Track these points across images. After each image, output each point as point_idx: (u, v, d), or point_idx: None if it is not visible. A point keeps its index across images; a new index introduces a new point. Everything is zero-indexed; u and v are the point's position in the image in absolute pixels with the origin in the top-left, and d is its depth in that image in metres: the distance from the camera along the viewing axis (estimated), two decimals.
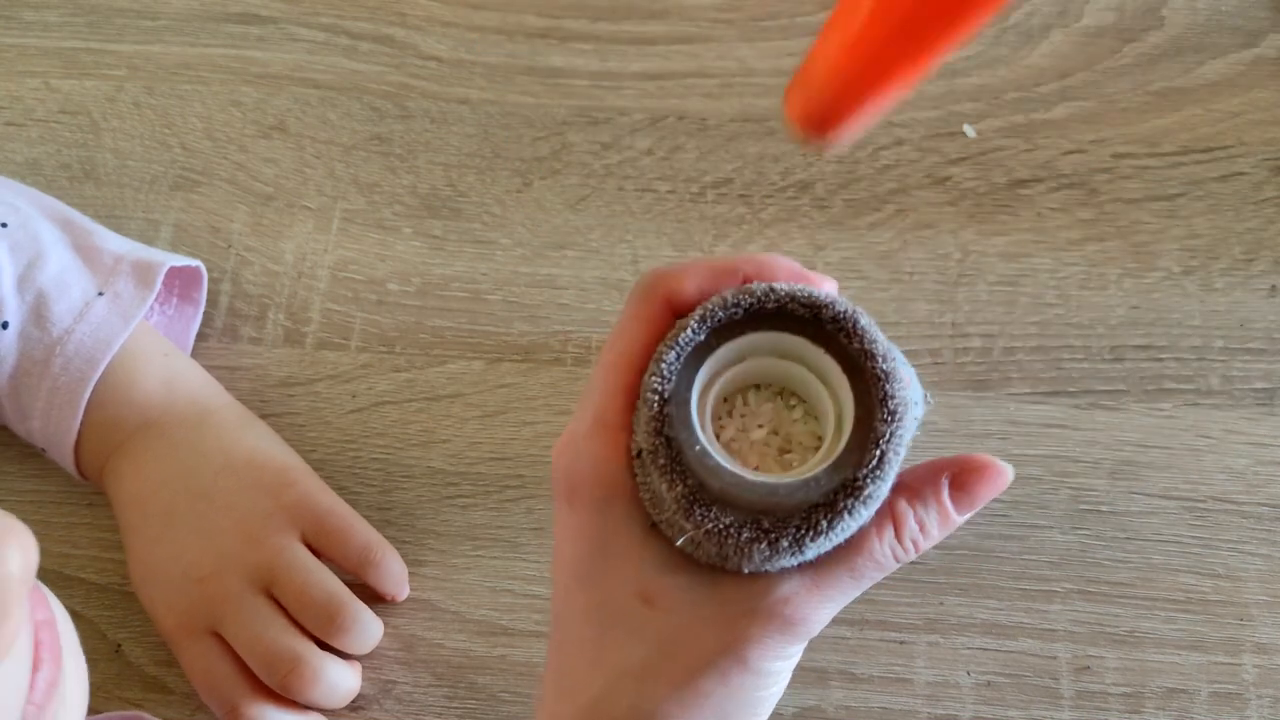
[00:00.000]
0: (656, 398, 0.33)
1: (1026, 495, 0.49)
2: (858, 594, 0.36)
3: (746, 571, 0.34)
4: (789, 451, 0.35)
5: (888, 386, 0.33)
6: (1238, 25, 0.58)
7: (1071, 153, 0.56)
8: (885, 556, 0.35)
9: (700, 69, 0.59)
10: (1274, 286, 0.53)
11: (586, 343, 0.53)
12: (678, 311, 0.36)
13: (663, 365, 0.34)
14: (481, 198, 0.56)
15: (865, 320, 0.33)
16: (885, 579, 0.47)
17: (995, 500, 0.49)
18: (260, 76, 0.59)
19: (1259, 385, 0.51)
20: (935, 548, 0.48)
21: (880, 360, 0.33)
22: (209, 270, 0.54)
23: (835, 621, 0.46)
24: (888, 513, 0.35)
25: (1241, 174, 0.55)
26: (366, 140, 0.58)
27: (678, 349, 0.34)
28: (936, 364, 0.51)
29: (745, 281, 0.36)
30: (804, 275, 0.36)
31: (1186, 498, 0.49)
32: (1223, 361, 0.51)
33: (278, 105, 0.58)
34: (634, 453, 0.35)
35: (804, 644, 0.36)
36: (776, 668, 0.36)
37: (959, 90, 0.58)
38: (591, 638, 0.36)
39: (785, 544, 0.32)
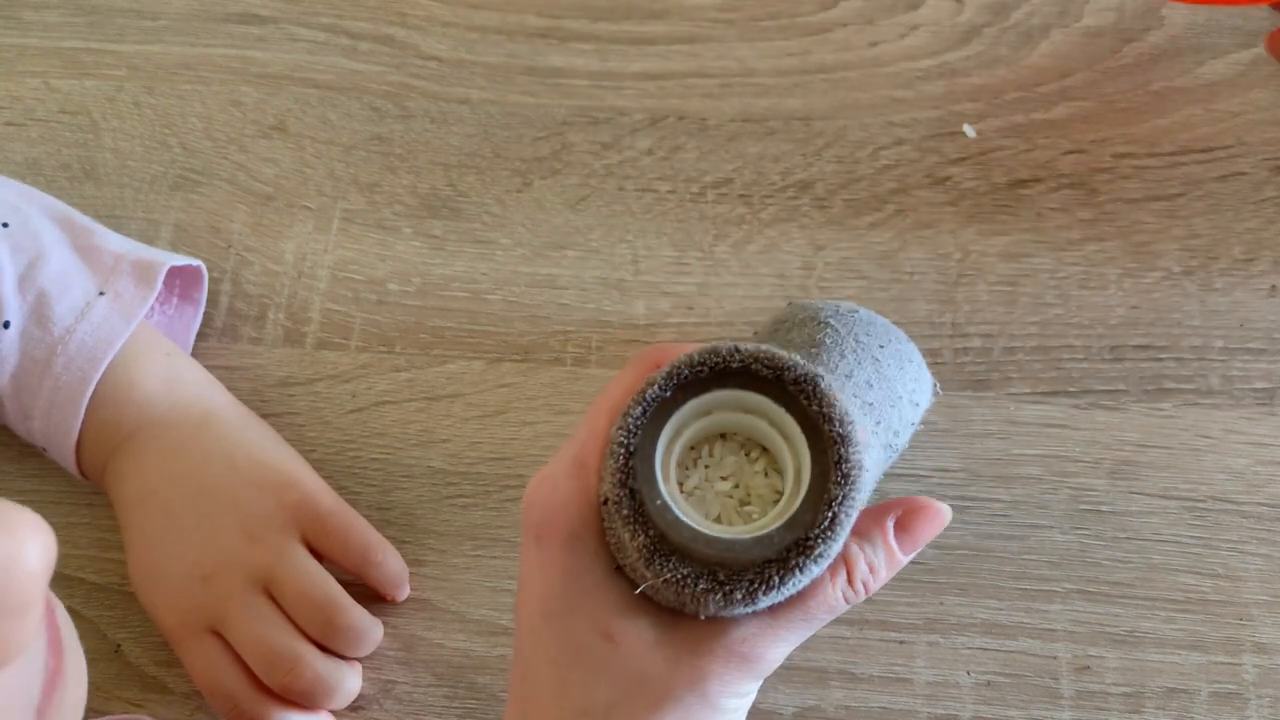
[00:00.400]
0: (622, 450, 0.35)
1: (1026, 495, 0.49)
2: (808, 634, 0.38)
3: (703, 618, 0.36)
4: (748, 504, 0.37)
5: (843, 450, 0.34)
6: (1238, 25, 0.58)
7: (1071, 153, 0.56)
8: (837, 600, 0.37)
9: (700, 69, 0.59)
10: (1274, 286, 0.53)
11: (586, 343, 0.53)
12: None
13: (629, 419, 0.35)
14: (481, 198, 0.56)
15: (825, 383, 0.35)
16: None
17: (995, 500, 0.49)
18: (260, 76, 0.59)
19: (1259, 385, 0.51)
20: (935, 548, 0.48)
21: (837, 424, 0.34)
22: (209, 270, 0.54)
23: (835, 621, 0.47)
24: (840, 559, 0.37)
25: (1241, 174, 0.55)
26: (366, 140, 0.58)
27: (644, 404, 0.35)
28: (937, 364, 0.51)
29: None
30: None
31: (1186, 498, 0.49)
32: (1223, 361, 0.51)
33: (278, 105, 0.58)
34: (601, 500, 0.36)
35: (759, 682, 0.38)
36: (734, 704, 0.37)
37: (959, 90, 0.58)
38: (555, 675, 0.37)
39: (739, 595, 0.34)
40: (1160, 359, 0.52)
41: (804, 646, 0.46)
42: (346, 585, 0.47)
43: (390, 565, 0.47)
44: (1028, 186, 0.55)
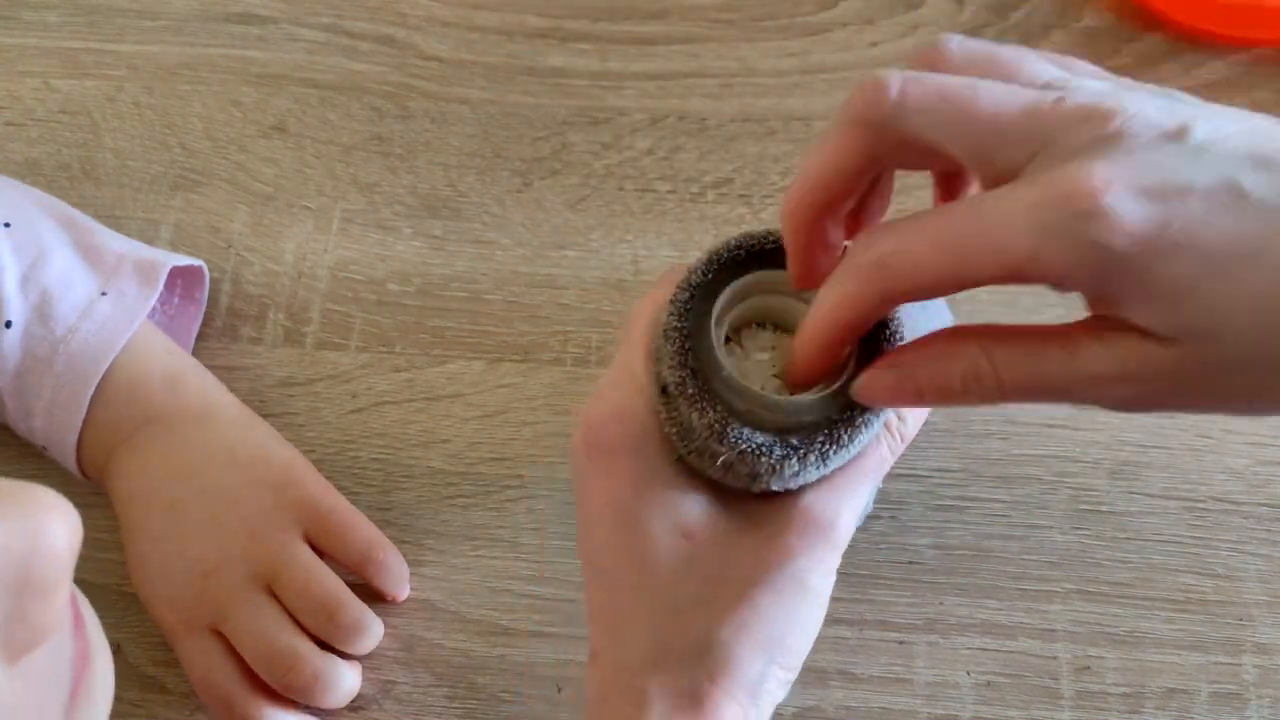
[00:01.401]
0: (676, 334, 0.36)
1: (1026, 495, 0.49)
2: (868, 490, 0.39)
3: (775, 489, 0.37)
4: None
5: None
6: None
7: None
8: (887, 454, 0.39)
9: (700, 69, 0.59)
10: None
11: (586, 343, 0.53)
12: None
13: (677, 304, 0.37)
14: (481, 198, 0.56)
15: None
16: (885, 579, 0.48)
17: (995, 500, 0.49)
18: (260, 76, 0.59)
19: None
20: (935, 548, 0.48)
21: None
22: (209, 270, 0.54)
23: (835, 621, 0.47)
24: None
25: None
26: (366, 140, 0.58)
27: (690, 289, 0.37)
28: None
29: None
30: None
31: (1186, 498, 0.49)
32: None
33: (278, 105, 0.58)
34: (660, 388, 0.37)
35: (837, 556, 0.38)
36: (821, 585, 0.38)
37: None
38: (640, 580, 0.38)
39: (813, 457, 0.36)
40: None
41: None
42: (347, 584, 0.47)
43: (391, 564, 0.47)
44: None
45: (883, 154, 0.34)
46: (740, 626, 0.37)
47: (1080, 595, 0.47)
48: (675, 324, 0.36)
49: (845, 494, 0.38)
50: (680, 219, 0.55)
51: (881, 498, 0.49)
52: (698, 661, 0.37)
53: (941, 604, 0.48)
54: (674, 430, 0.37)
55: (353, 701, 0.47)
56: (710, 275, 0.37)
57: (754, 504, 0.38)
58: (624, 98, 0.58)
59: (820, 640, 0.47)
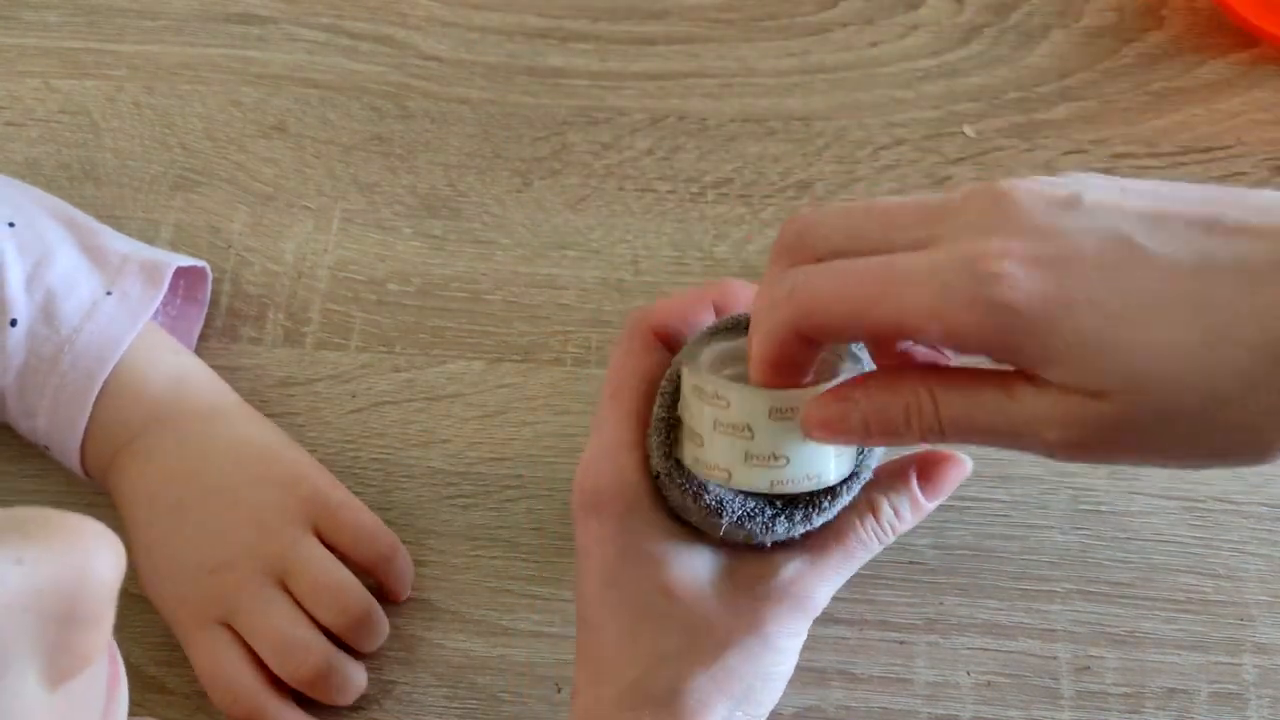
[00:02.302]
0: (663, 425, 0.40)
1: (1026, 495, 0.49)
2: (849, 573, 0.42)
3: (769, 544, 0.41)
4: None
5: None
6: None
7: (1071, 153, 0.56)
8: (869, 537, 0.41)
9: (700, 69, 0.59)
10: None
11: (586, 343, 0.53)
12: (663, 338, 0.43)
13: (665, 395, 0.41)
14: (481, 198, 0.56)
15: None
16: (885, 579, 0.48)
17: (995, 500, 0.49)
18: (260, 76, 0.59)
19: None
20: (935, 548, 0.48)
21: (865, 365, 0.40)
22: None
23: (835, 621, 0.47)
24: (866, 503, 0.41)
25: (1241, 174, 0.55)
26: (366, 140, 0.58)
27: (675, 379, 0.41)
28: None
29: (714, 305, 0.43)
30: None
31: (1186, 498, 0.49)
32: None
33: (278, 105, 0.58)
34: (653, 475, 0.41)
35: (809, 622, 0.42)
36: (789, 645, 0.41)
37: (959, 90, 0.58)
38: (624, 629, 0.40)
39: (799, 516, 0.40)
40: None
41: (804, 646, 0.46)
42: None
43: (399, 560, 0.48)
44: None
45: (815, 344, 0.36)
46: (710, 679, 0.40)
47: (1080, 595, 0.47)
48: (662, 415, 0.40)
49: (826, 572, 0.41)
50: (680, 219, 0.55)
51: None
52: (668, 704, 0.40)
53: (941, 604, 0.48)
54: (674, 503, 0.41)
55: (353, 701, 0.47)
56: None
57: (739, 564, 0.41)
58: (624, 98, 0.58)
59: (820, 640, 0.47)
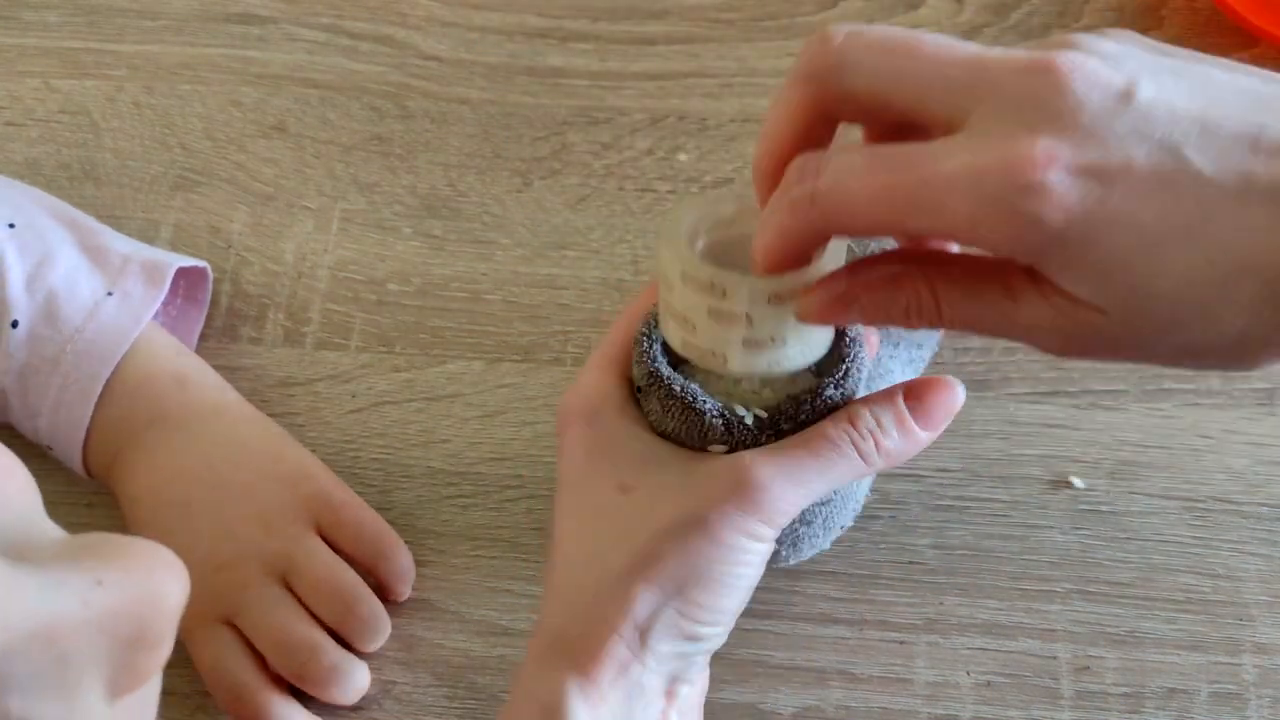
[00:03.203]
0: (644, 338, 0.40)
1: (1026, 495, 0.49)
2: (820, 481, 0.38)
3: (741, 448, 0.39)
4: None
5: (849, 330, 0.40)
6: (1238, 25, 0.58)
7: None
8: (839, 437, 0.38)
9: (700, 69, 0.59)
10: None
11: (586, 343, 0.53)
12: None
13: (651, 317, 0.41)
14: (481, 198, 0.56)
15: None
16: (885, 579, 0.48)
17: (995, 500, 0.49)
18: (260, 76, 0.59)
19: (1259, 385, 0.51)
20: (935, 548, 0.48)
21: None
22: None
23: (835, 621, 0.47)
24: (844, 410, 0.39)
25: None
26: (366, 140, 0.58)
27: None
28: (937, 364, 0.51)
29: None
30: None
31: (1186, 498, 0.49)
32: None
33: (278, 105, 0.58)
34: (635, 389, 0.41)
35: (766, 524, 0.38)
36: (739, 543, 0.37)
37: None
38: (578, 532, 0.39)
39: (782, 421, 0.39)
40: None
41: (804, 646, 0.46)
42: None
43: (401, 558, 0.48)
44: None
45: (831, 108, 0.34)
46: (638, 563, 0.37)
47: (1080, 595, 0.47)
48: (644, 331, 0.41)
49: (788, 466, 0.38)
50: None
51: (881, 498, 0.49)
52: (593, 602, 0.38)
53: (941, 604, 0.48)
54: (654, 420, 0.40)
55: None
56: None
57: (699, 462, 0.39)
58: (624, 98, 0.58)
59: (820, 640, 0.47)
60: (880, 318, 0.35)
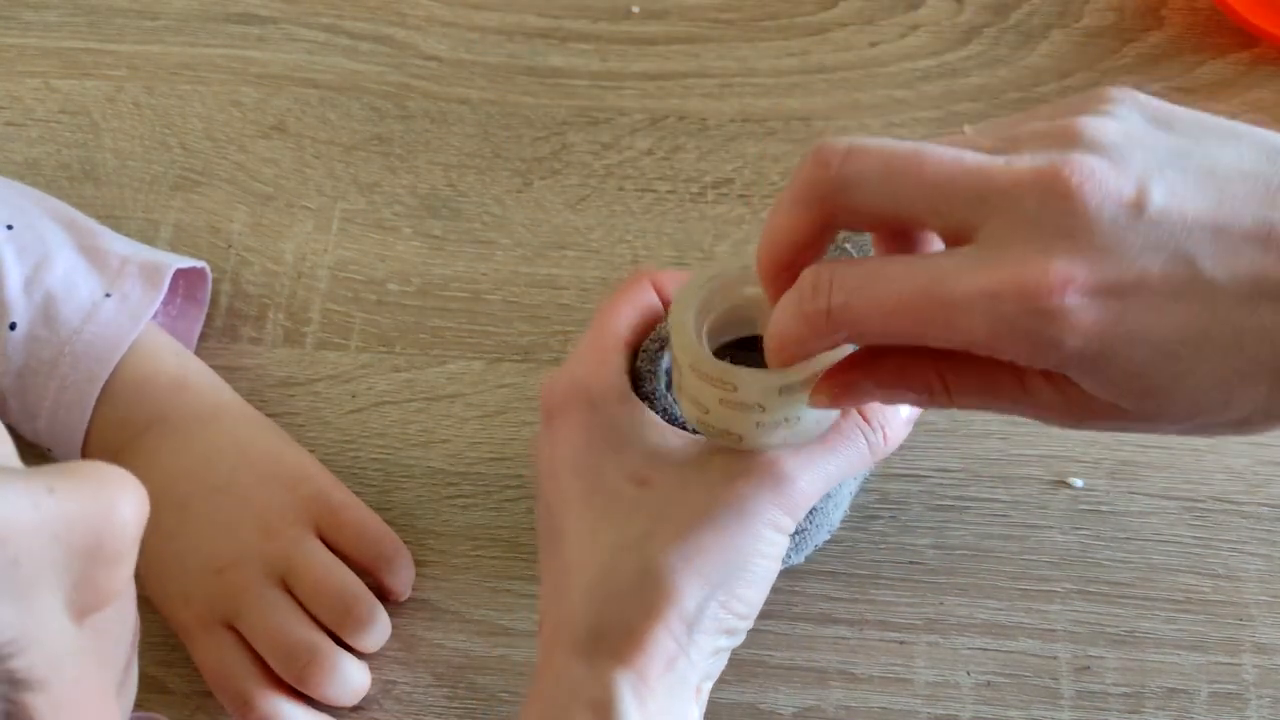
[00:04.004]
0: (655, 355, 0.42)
1: (1026, 495, 0.49)
2: (836, 471, 0.39)
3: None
4: None
5: None
6: (1238, 25, 0.58)
7: None
8: (851, 429, 0.39)
9: (700, 69, 0.59)
10: None
11: None
12: (658, 288, 0.43)
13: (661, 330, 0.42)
14: (481, 198, 0.56)
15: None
16: (885, 579, 0.48)
17: (995, 500, 0.49)
18: (260, 76, 0.59)
19: None
20: (935, 548, 0.48)
21: None
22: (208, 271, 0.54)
23: (835, 621, 0.47)
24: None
25: None
26: (366, 140, 0.58)
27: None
28: None
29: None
30: None
31: (1186, 498, 0.49)
32: None
33: (278, 105, 0.58)
34: (638, 389, 0.41)
35: (790, 517, 0.39)
36: (768, 535, 0.38)
37: (959, 90, 0.58)
38: (589, 521, 0.39)
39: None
40: None
41: (804, 646, 0.46)
42: None
43: (400, 560, 0.48)
44: None
45: (834, 222, 0.34)
46: (681, 556, 0.37)
47: (1080, 595, 0.47)
48: (654, 347, 0.41)
49: (811, 460, 0.39)
50: (680, 219, 0.55)
51: (881, 498, 0.49)
52: (635, 595, 0.37)
53: (941, 604, 0.48)
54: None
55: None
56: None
57: (715, 457, 0.39)
58: (624, 98, 0.58)
59: (820, 640, 0.47)
60: (891, 402, 0.36)
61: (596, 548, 0.38)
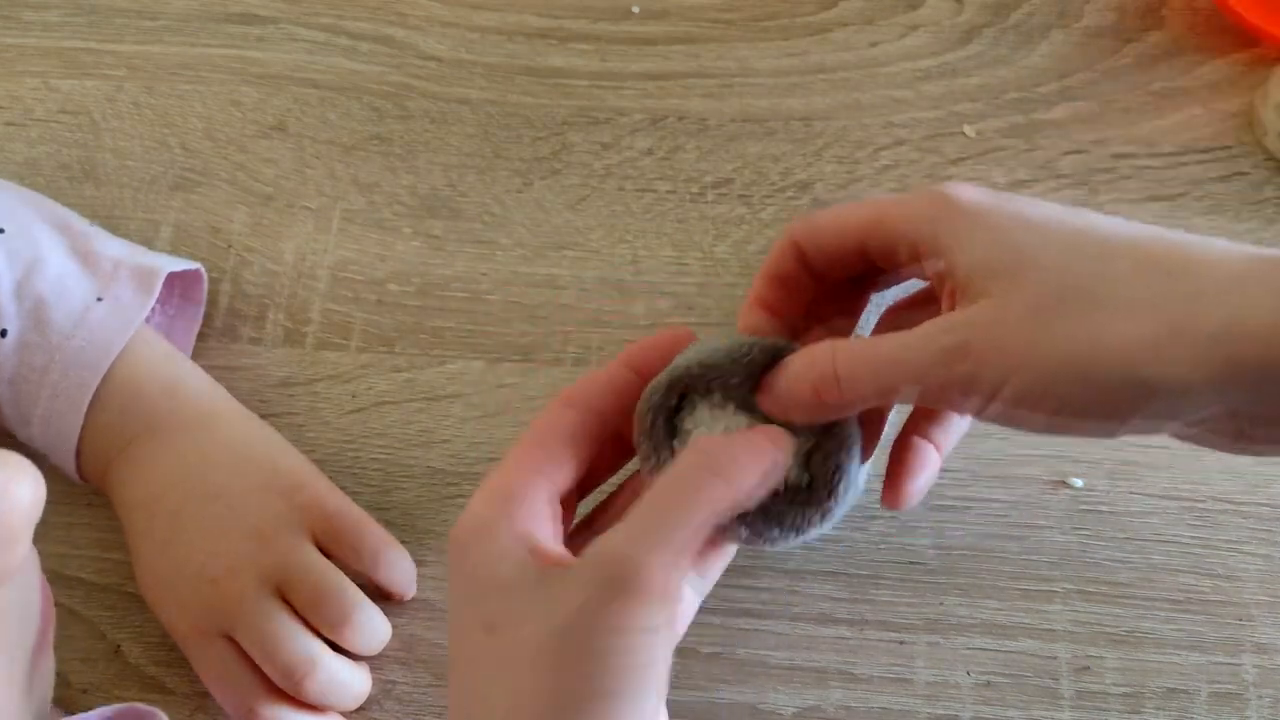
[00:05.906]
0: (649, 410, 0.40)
1: (1026, 495, 0.49)
2: (699, 526, 0.35)
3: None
4: None
5: (841, 447, 0.40)
6: (1238, 25, 0.58)
7: (1071, 153, 0.56)
8: (692, 470, 0.37)
9: (700, 69, 0.59)
10: None
11: (586, 343, 0.53)
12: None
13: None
14: (481, 198, 0.56)
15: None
16: (885, 579, 0.48)
17: (995, 500, 0.49)
18: (260, 76, 0.59)
19: None
20: (935, 548, 0.48)
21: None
22: (209, 270, 0.54)
23: (835, 621, 0.47)
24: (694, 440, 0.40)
25: (1242, 174, 0.55)
26: (366, 140, 0.58)
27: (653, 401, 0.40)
28: None
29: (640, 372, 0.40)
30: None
31: (1186, 498, 0.49)
32: None
33: (278, 105, 0.58)
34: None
35: (656, 611, 0.33)
36: (632, 643, 0.33)
37: (959, 90, 0.58)
38: (455, 687, 0.36)
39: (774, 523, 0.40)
40: None
41: (804, 646, 0.46)
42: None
43: (401, 565, 0.47)
44: (1028, 187, 0.55)
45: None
46: (531, 714, 0.33)
47: (1080, 595, 0.47)
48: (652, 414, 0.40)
49: (650, 530, 0.33)
50: (680, 219, 0.55)
51: (878, 500, 0.49)
52: None
53: (941, 604, 0.48)
54: None
55: None
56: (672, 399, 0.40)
57: (562, 566, 0.35)
58: (624, 98, 0.58)
59: (820, 640, 0.47)
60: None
61: (463, 696, 0.35)
